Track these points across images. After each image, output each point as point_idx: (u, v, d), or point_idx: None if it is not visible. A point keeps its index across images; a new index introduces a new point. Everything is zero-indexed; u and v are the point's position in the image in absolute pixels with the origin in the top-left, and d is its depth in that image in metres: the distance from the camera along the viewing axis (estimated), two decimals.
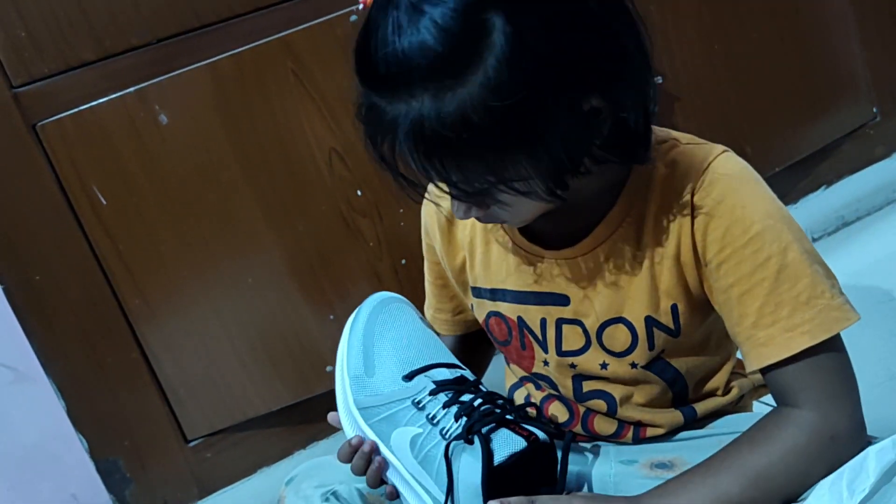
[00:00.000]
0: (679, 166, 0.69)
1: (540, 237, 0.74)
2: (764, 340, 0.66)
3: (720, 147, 0.70)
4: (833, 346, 0.66)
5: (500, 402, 0.70)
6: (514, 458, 0.65)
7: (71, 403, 1.20)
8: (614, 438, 0.78)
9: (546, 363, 0.77)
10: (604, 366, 0.74)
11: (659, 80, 1.32)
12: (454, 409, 0.68)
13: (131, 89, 1.12)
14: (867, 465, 0.50)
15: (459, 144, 0.58)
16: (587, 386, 0.76)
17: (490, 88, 0.57)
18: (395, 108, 0.59)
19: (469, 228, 0.79)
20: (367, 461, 0.71)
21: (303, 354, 1.27)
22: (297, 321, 1.25)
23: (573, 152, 0.62)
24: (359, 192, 1.23)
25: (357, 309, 0.79)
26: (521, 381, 0.83)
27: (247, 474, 1.31)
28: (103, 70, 1.12)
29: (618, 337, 0.73)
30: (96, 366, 1.20)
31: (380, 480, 0.72)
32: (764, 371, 0.68)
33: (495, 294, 0.78)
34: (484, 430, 0.66)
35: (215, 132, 1.16)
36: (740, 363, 0.78)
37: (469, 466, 0.65)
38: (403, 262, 1.27)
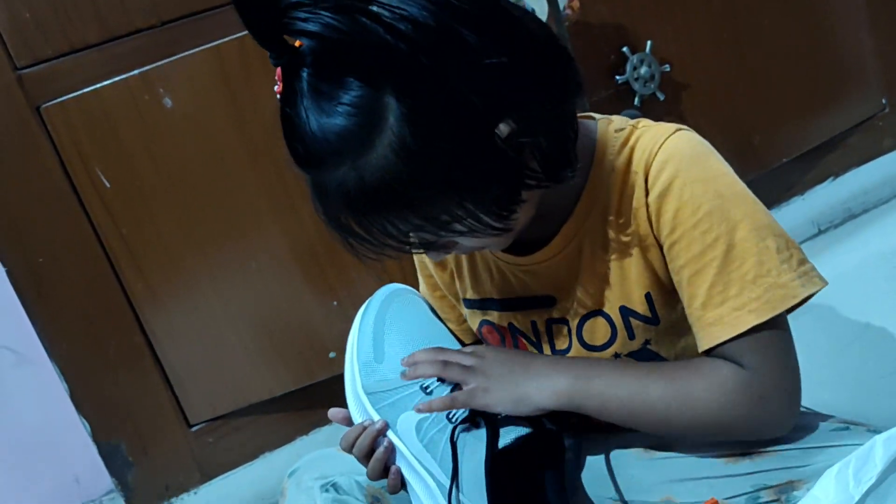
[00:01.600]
0: (635, 152, 0.70)
1: (515, 245, 0.74)
2: (713, 320, 0.67)
3: (673, 126, 0.70)
4: (777, 324, 0.67)
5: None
6: (519, 442, 0.65)
7: (74, 387, 1.21)
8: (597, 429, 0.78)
9: None
10: None
11: (667, 68, 1.31)
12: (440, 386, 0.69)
13: (135, 72, 1.12)
14: (874, 454, 0.50)
15: (388, 202, 0.62)
16: None
17: (398, 148, 0.60)
18: (325, 182, 0.63)
19: None
20: (372, 442, 0.71)
21: (306, 341, 1.27)
22: (301, 307, 1.25)
23: (501, 185, 0.63)
24: None
25: (368, 299, 0.80)
26: None
27: (249, 459, 1.31)
28: (107, 52, 1.11)
29: (597, 330, 0.73)
30: (99, 349, 1.21)
31: (382, 469, 0.72)
32: (713, 350, 0.68)
33: (484, 304, 0.79)
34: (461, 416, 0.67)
35: (219, 116, 1.16)
36: None
37: (474, 450, 0.65)
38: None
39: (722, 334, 0.67)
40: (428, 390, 0.70)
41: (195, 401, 1.26)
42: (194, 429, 1.27)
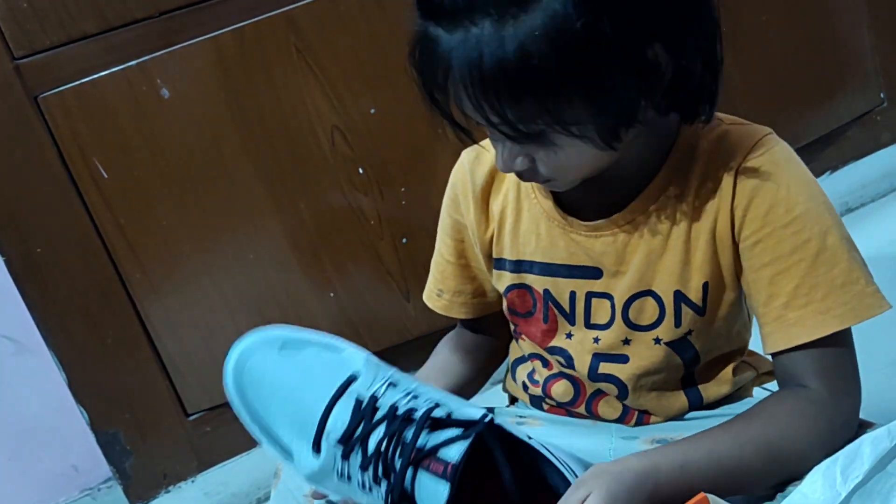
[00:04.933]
0: (724, 143, 0.69)
1: (575, 208, 0.73)
2: (794, 321, 0.66)
3: (766, 128, 0.70)
4: (848, 337, 0.67)
5: (402, 411, 0.65)
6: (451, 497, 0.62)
7: (72, 376, 1.21)
8: (617, 423, 0.79)
9: (569, 336, 0.77)
10: (626, 342, 0.74)
11: None
12: (370, 469, 0.64)
13: (133, 63, 1.12)
14: (862, 452, 0.50)
15: (517, 77, 0.57)
16: (603, 368, 0.76)
17: (554, 21, 0.56)
18: (454, 38, 0.58)
19: (502, 199, 0.78)
20: None
21: None
22: (298, 298, 1.26)
23: (632, 97, 0.61)
24: (360, 171, 1.22)
25: (225, 389, 0.72)
26: (529, 358, 0.82)
27: (246, 449, 1.31)
28: (105, 43, 1.11)
29: (645, 310, 0.73)
30: (97, 339, 1.21)
31: None
32: (781, 353, 0.68)
33: (520, 266, 0.77)
34: (406, 482, 0.62)
35: (217, 107, 1.16)
36: (748, 353, 0.79)
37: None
38: (404, 240, 1.26)
39: (802, 336, 0.66)
40: (345, 475, 0.65)
41: (193, 390, 1.26)
42: (192, 418, 1.27)
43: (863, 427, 0.68)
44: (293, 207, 1.22)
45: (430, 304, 0.87)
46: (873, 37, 1.51)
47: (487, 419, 0.63)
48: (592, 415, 0.79)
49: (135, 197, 1.16)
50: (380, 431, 0.65)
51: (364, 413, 0.66)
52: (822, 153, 1.54)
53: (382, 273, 1.27)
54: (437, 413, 0.64)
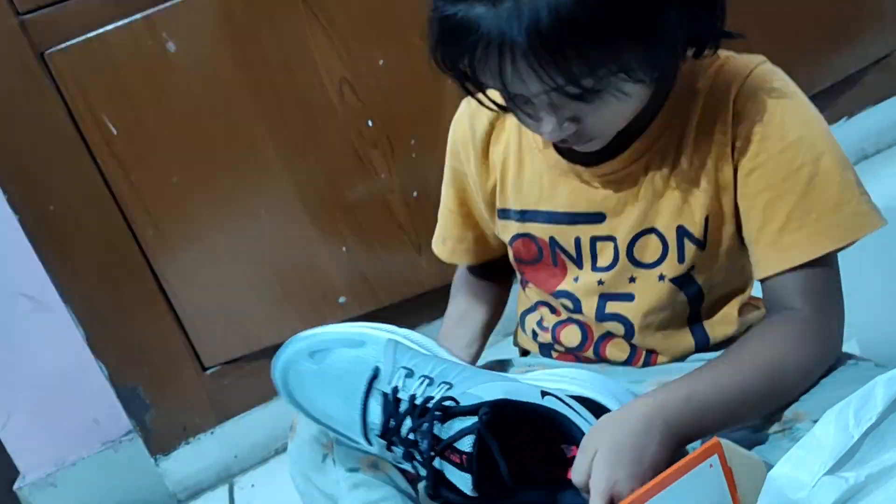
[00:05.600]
0: (720, 77, 0.70)
1: (577, 156, 0.74)
2: (789, 244, 0.68)
3: (760, 57, 0.71)
4: (834, 258, 0.69)
5: (420, 401, 0.68)
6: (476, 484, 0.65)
7: (90, 332, 1.22)
8: (625, 365, 0.79)
9: (577, 279, 0.78)
10: (631, 280, 0.75)
11: None
12: (411, 460, 0.68)
13: (138, 16, 1.10)
14: (875, 394, 0.50)
15: (583, 28, 0.56)
16: (610, 307, 0.77)
17: None
18: (502, 10, 0.56)
19: (503, 149, 0.78)
20: None
21: (315, 286, 1.28)
22: (310, 252, 1.26)
23: (686, 29, 0.61)
24: (369, 123, 1.22)
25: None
26: (536, 306, 0.83)
27: (263, 401, 1.33)
28: None
29: (649, 247, 0.74)
30: (114, 296, 1.22)
31: None
32: (771, 277, 0.69)
33: (525, 215, 0.78)
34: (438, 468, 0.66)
35: (224, 60, 1.15)
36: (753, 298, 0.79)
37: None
38: (415, 194, 1.26)
39: (795, 258, 0.68)
40: (398, 460, 0.69)
41: (209, 345, 1.28)
42: (209, 372, 1.29)
43: (851, 358, 0.69)
44: (303, 161, 1.21)
45: (435, 251, 0.90)
46: None
47: (485, 412, 0.65)
48: (601, 358, 0.80)
49: (145, 153, 1.16)
50: (408, 423, 0.69)
51: (390, 409, 0.70)
52: (838, 99, 1.52)
53: (394, 226, 1.27)
54: (448, 402, 0.67)
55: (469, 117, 0.80)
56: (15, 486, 1.28)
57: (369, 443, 0.72)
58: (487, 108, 0.69)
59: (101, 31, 1.10)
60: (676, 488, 0.56)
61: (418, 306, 1.32)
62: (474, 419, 0.65)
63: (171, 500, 1.32)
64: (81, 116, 1.13)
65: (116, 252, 1.20)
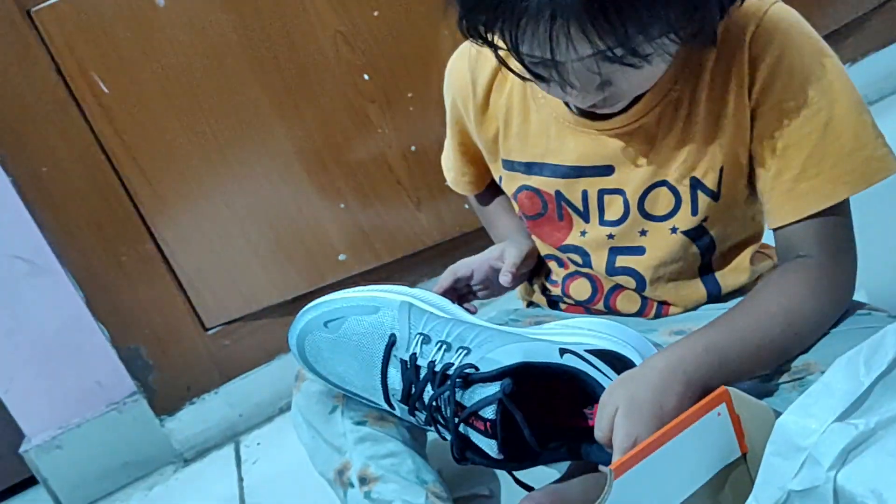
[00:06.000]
0: (733, 19, 0.67)
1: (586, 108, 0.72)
2: (806, 191, 0.67)
3: None
4: (846, 204, 0.68)
5: (439, 368, 0.68)
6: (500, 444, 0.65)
7: (89, 294, 1.22)
8: (636, 316, 0.79)
9: (584, 233, 0.77)
10: (643, 233, 0.74)
11: None
12: (434, 425, 0.69)
13: None
14: (886, 342, 0.50)
15: None
16: (620, 261, 0.76)
17: None
18: None
19: (506, 97, 0.76)
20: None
21: (315, 243, 1.27)
22: (308, 210, 1.25)
23: None
24: (366, 77, 1.19)
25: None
26: (544, 259, 0.83)
27: (266, 360, 1.33)
28: None
29: (660, 200, 0.72)
30: (111, 257, 1.21)
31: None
32: (785, 226, 0.68)
33: (531, 168, 0.77)
34: (463, 432, 0.67)
35: (214, 14, 1.12)
36: (763, 245, 0.78)
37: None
38: (413, 148, 1.24)
39: (812, 206, 0.67)
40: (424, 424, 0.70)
41: (209, 305, 1.27)
42: (211, 332, 1.29)
43: (863, 307, 0.69)
44: (299, 117, 1.19)
45: (446, 176, 0.90)
46: None
47: (505, 383, 0.65)
48: (611, 310, 0.79)
49: (137, 111, 1.14)
50: (429, 390, 0.68)
51: (410, 375, 0.69)
52: (841, 44, 1.49)
53: (392, 182, 1.26)
54: (469, 370, 0.66)
55: (469, 64, 0.77)
56: (21, 450, 1.29)
57: (392, 407, 0.72)
58: (522, 77, 0.66)
59: None
60: (685, 437, 0.56)
61: (418, 262, 1.32)
62: (496, 386, 0.65)
63: (178, 459, 1.33)
64: (71, 75, 1.11)
65: (112, 213, 1.19)
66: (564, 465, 0.75)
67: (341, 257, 1.28)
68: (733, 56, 0.67)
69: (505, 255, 0.81)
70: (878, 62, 1.52)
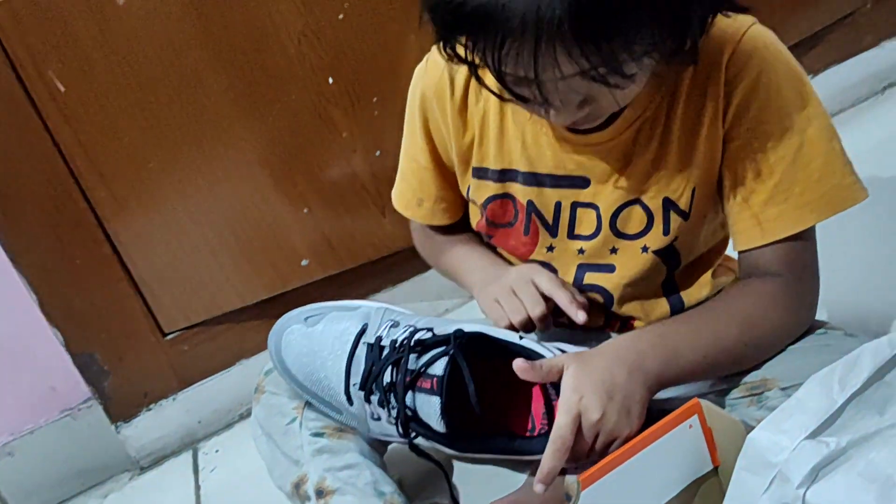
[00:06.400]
0: (710, 38, 0.66)
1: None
2: (774, 216, 0.68)
3: (750, 18, 0.68)
4: (812, 229, 0.69)
5: (399, 342, 0.69)
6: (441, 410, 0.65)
7: (43, 298, 1.19)
8: (599, 330, 0.79)
9: (551, 248, 0.76)
10: (613, 251, 0.74)
11: None
12: (387, 405, 0.69)
13: None
14: (861, 362, 0.50)
15: (622, 11, 0.53)
16: (589, 278, 0.76)
17: None
18: None
19: (482, 104, 0.75)
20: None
21: (277, 248, 1.25)
22: (270, 214, 1.23)
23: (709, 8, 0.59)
24: (330, 80, 1.18)
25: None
26: None
27: (225, 367, 1.31)
28: None
29: (633, 219, 0.72)
30: (66, 259, 1.18)
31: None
32: (753, 248, 0.68)
33: (505, 175, 0.76)
34: (409, 403, 0.66)
35: (177, 13, 1.09)
36: (725, 258, 0.79)
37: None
38: (378, 153, 1.23)
39: (780, 231, 0.67)
40: (377, 417, 0.70)
41: (168, 309, 1.25)
42: (169, 337, 1.26)
43: (821, 326, 0.70)
44: (262, 119, 1.17)
45: (407, 214, 0.86)
46: None
47: (459, 334, 0.67)
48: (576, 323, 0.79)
49: (95, 111, 1.11)
50: (389, 368, 0.69)
51: (374, 356, 0.70)
52: (803, 56, 1.51)
53: (357, 187, 1.25)
54: (422, 335, 0.66)
55: (448, 69, 0.76)
56: None
57: (349, 400, 0.71)
58: (500, 97, 0.65)
59: None
60: (657, 448, 0.56)
61: (382, 269, 1.30)
62: (445, 348, 0.65)
63: (134, 466, 1.31)
64: (26, 72, 1.07)
65: (68, 214, 1.16)
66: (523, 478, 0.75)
67: (304, 262, 1.26)
68: (709, 76, 0.67)
69: (553, 292, 0.73)
70: (839, 74, 1.55)
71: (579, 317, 0.69)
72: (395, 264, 1.30)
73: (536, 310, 0.71)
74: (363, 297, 1.29)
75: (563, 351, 0.68)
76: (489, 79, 0.63)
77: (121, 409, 1.27)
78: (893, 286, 0.97)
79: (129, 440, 1.29)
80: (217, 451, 1.30)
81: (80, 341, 1.22)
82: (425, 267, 1.32)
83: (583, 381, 0.61)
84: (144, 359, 1.26)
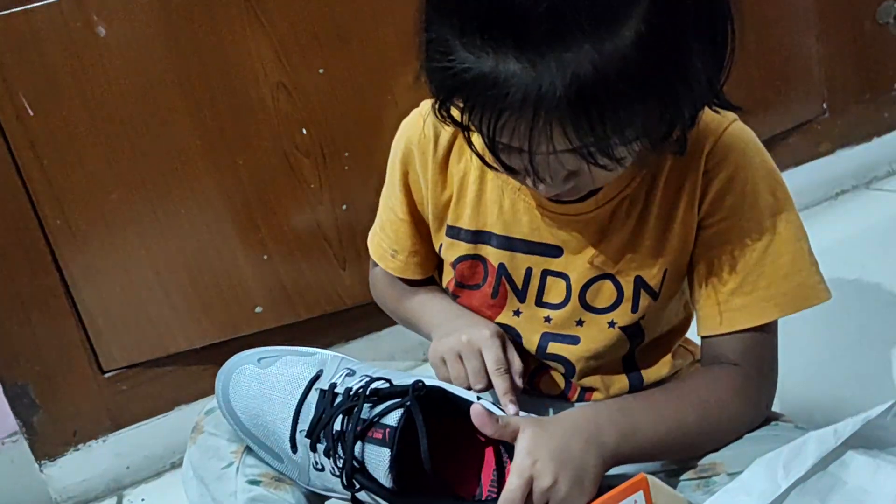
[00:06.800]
0: (694, 129, 0.68)
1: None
2: (739, 307, 0.69)
3: (732, 114, 0.71)
4: (775, 324, 0.70)
5: (354, 391, 0.67)
6: (391, 463, 0.64)
7: None
8: (558, 398, 0.78)
9: (517, 313, 0.76)
10: (580, 322, 0.74)
11: None
12: (333, 455, 0.67)
13: None
14: (806, 449, 0.51)
15: (626, 92, 0.53)
16: (552, 347, 0.76)
17: (650, 27, 0.53)
18: (543, 66, 0.52)
19: (464, 164, 0.76)
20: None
21: (231, 293, 1.23)
22: (229, 258, 1.21)
23: (709, 91, 0.60)
24: (304, 131, 1.19)
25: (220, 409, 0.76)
26: None
27: (163, 411, 1.27)
28: None
29: (603, 293, 0.73)
30: (10, 285, 1.14)
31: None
32: (714, 335, 0.69)
33: (479, 236, 0.76)
34: (357, 454, 0.65)
35: (156, 51, 1.10)
36: (685, 340, 0.80)
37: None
38: (344, 207, 1.23)
39: (743, 321, 0.69)
40: (320, 466, 0.68)
41: (110, 347, 1.21)
42: (107, 375, 1.22)
43: (773, 417, 0.71)
44: (230, 164, 1.17)
45: (381, 265, 0.85)
46: (821, 47, 1.54)
47: (419, 385, 0.65)
48: (535, 389, 0.79)
49: (61, 138, 1.10)
50: (340, 416, 0.67)
51: (325, 403, 0.68)
52: None
53: (319, 239, 1.24)
54: (379, 384, 0.65)
55: (433, 125, 0.76)
56: None
57: (294, 447, 0.69)
58: (489, 166, 0.66)
59: (27, 7, 1.04)
60: None
61: (336, 323, 1.29)
62: (401, 400, 0.65)
63: None
64: None
65: (18, 239, 1.13)
66: None
67: (258, 309, 1.24)
68: (689, 165, 0.69)
69: (495, 378, 0.71)
70: (794, 178, 1.59)
71: (510, 409, 0.68)
72: (351, 320, 1.28)
73: (477, 385, 0.71)
74: None
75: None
76: (478, 143, 0.63)
77: (47, 447, 1.22)
78: (840, 382, 0.99)
79: (51, 480, 1.23)
80: (143, 499, 1.24)
81: (13, 371, 1.17)
82: (380, 325, 1.32)
83: (538, 446, 0.60)
84: (79, 395, 1.22)
